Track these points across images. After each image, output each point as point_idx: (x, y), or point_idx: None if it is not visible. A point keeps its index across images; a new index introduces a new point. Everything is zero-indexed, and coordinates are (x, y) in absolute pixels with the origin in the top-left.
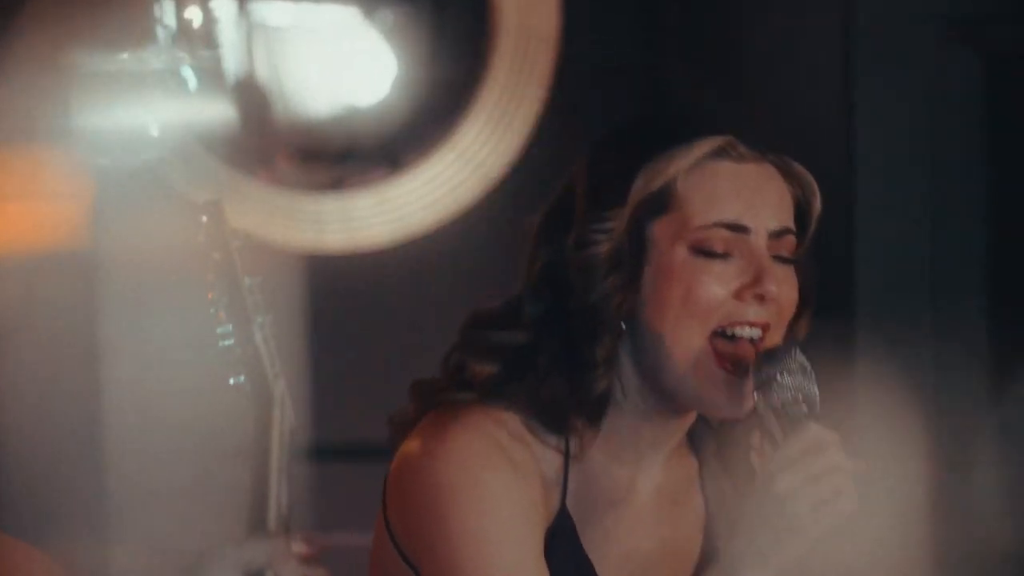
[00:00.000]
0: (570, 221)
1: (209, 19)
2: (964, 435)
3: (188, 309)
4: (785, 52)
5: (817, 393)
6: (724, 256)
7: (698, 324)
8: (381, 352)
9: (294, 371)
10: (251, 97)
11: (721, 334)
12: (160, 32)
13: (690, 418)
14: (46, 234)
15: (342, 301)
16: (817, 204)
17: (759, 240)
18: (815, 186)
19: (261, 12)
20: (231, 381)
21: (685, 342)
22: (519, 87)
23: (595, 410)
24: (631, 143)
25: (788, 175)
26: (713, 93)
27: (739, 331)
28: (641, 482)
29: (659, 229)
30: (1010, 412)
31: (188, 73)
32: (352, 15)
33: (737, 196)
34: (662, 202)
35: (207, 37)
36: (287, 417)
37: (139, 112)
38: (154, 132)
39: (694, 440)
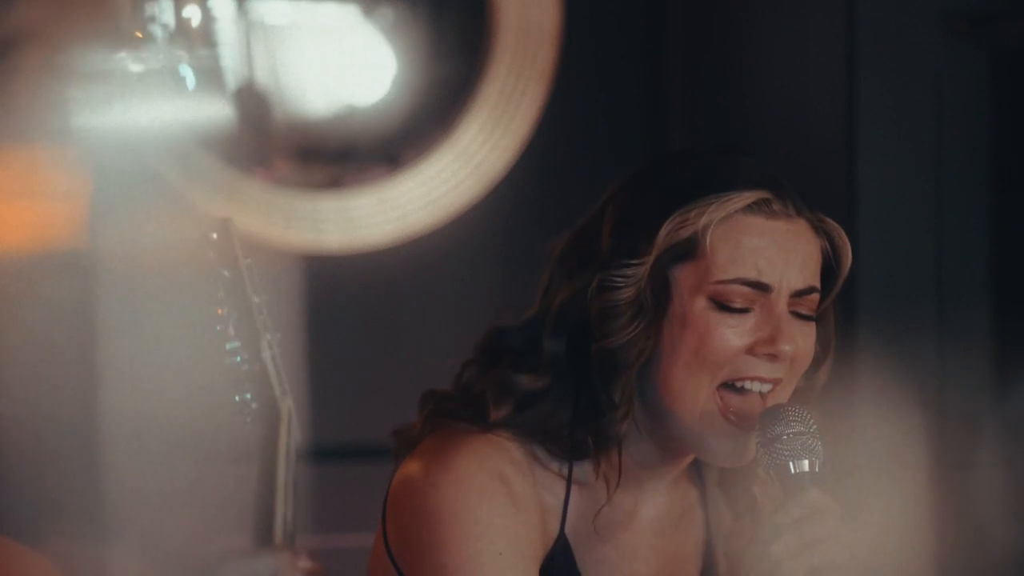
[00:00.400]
0: (594, 256)
1: (208, 18)
2: (968, 435)
3: (187, 309)
4: (787, 49)
5: (823, 454)
6: (742, 311)
7: (708, 374)
8: (380, 351)
9: (293, 371)
10: (250, 96)
11: (730, 386)
12: (158, 31)
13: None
14: (43, 234)
15: (341, 300)
16: (847, 262)
17: (780, 298)
18: (847, 244)
19: (260, 11)
20: (237, 398)
21: (693, 390)
22: (519, 86)
23: (606, 445)
24: (663, 187)
25: (820, 232)
26: (714, 92)
27: (748, 384)
28: (642, 509)
29: (682, 275)
30: (1014, 412)
31: (186, 72)
32: (351, 14)
33: (763, 254)
34: (688, 250)
35: (206, 36)
36: (293, 433)
37: (137, 111)
38: (153, 131)
39: (698, 464)
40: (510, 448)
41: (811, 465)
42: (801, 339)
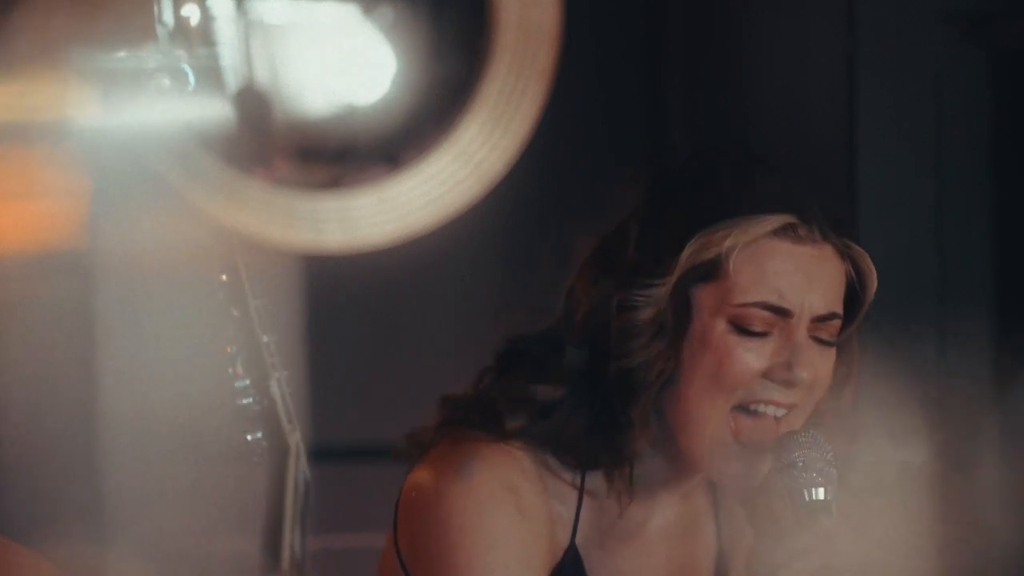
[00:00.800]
0: (619, 267)
1: (207, 17)
2: (968, 436)
3: (186, 309)
4: (787, 49)
5: (836, 481)
6: (762, 335)
7: (723, 397)
8: (380, 351)
9: (293, 371)
10: (249, 95)
11: (744, 409)
12: (158, 30)
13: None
14: (42, 233)
15: (341, 300)
16: (872, 289)
17: (800, 324)
18: (872, 270)
19: (259, 10)
20: (249, 438)
21: (707, 410)
22: (519, 85)
23: (619, 461)
24: (689, 205)
25: (845, 256)
26: (714, 92)
27: (763, 408)
28: (654, 519)
29: (703, 296)
30: (1014, 412)
31: (186, 71)
32: (351, 13)
33: (786, 279)
34: (710, 271)
35: (205, 35)
36: (302, 467)
37: (137, 111)
38: (152, 131)
39: None
40: (521, 457)
41: (826, 493)
42: (820, 365)
